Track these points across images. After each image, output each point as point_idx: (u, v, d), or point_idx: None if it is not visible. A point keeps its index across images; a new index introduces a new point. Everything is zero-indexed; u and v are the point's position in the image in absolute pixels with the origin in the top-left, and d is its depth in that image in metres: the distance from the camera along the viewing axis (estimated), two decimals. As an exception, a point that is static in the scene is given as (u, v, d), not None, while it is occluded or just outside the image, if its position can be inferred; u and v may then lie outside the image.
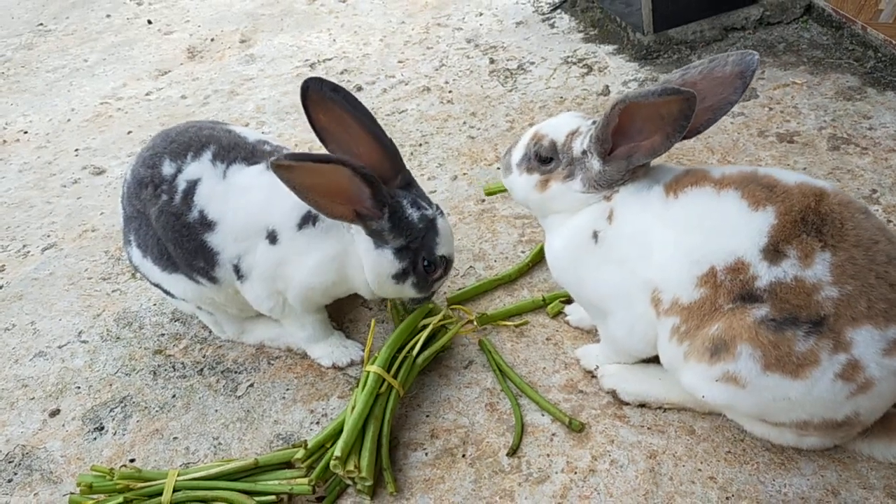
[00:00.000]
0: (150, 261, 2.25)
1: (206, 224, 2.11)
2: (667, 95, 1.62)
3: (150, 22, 5.14)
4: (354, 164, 1.90)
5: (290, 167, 1.85)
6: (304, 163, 1.86)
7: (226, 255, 2.14)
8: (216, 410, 2.26)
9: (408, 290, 2.16)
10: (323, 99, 1.98)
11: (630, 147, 1.78)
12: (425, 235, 2.08)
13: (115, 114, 4.09)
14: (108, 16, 5.38)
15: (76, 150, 3.80)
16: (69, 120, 4.11)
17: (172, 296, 2.32)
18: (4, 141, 4.01)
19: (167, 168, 2.16)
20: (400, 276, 2.10)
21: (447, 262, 2.16)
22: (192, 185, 2.12)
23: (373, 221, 2.01)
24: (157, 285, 2.32)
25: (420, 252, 2.09)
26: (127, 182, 2.26)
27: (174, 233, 2.14)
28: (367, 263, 2.10)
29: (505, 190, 2.14)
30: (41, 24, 5.42)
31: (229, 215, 2.11)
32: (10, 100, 4.45)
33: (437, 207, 2.14)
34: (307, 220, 2.09)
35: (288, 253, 2.11)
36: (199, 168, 2.14)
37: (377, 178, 1.95)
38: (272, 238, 2.11)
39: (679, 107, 1.64)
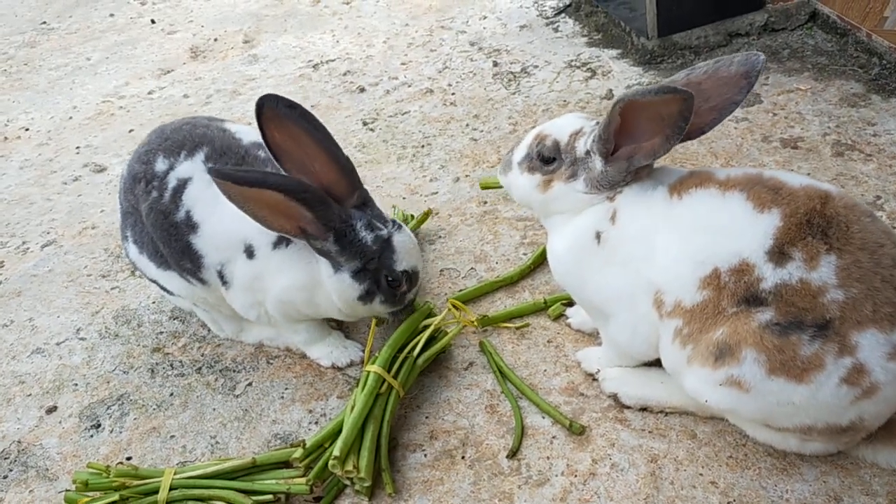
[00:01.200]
0: (146, 257, 2.25)
1: (191, 226, 2.10)
2: (664, 94, 1.61)
3: (153, 21, 5.14)
4: (290, 187, 1.86)
5: (221, 182, 1.84)
6: (226, 183, 1.84)
7: (209, 260, 2.12)
8: (214, 409, 2.25)
9: (379, 308, 2.13)
10: (278, 116, 1.92)
11: (632, 148, 1.77)
12: (381, 255, 2.03)
13: (117, 112, 4.08)
14: (112, 15, 5.38)
15: (77, 147, 3.79)
16: (71, 118, 4.10)
17: (170, 292, 2.31)
18: (6, 138, 4.00)
19: (160, 164, 2.15)
20: (365, 298, 2.07)
21: (411, 276, 2.12)
22: (182, 185, 2.11)
23: (318, 241, 1.98)
24: (154, 281, 2.32)
25: (380, 271, 2.05)
26: (123, 177, 2.25)
27: (162, 231, 2.13)
28: (330, 288, 2.07)
29: (500, 186, 2.11)
30: (44, 23, 5.43)
31: (212, 222, 2.09)
32: (12, 97, 4.44)
33: (395, 223, 2.09)
34: (281, 241, 2.07)
35: (264, 269, 2.10)
36: (191, 168, 2.12)
37: (322, 199, 1.91)
38: (249, 253, 2.09)
39: (678, 107, 1.63)
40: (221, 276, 2.15)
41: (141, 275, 2.40)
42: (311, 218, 1.92)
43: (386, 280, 2.07)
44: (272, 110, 1.92)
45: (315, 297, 2.12)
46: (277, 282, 2.10)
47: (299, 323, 2.28)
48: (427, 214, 2.79)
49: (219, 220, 2.09)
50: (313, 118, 1.97)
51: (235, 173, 1.86)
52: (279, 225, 1.95)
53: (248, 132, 2.24)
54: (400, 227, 2.10)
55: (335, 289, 2.06)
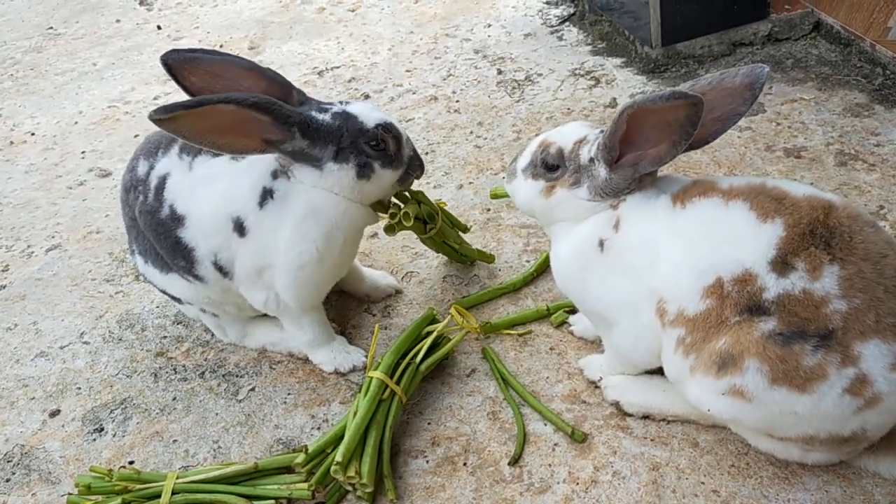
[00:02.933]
0: (151, 265, 2.26)
1: (177, 219, 2.10)
2: (675, 100, 1.62)
3: (159, 27, 5.16)
4: (237, 97, 1.84)
5: (169, 119, 1.80)
6: (177, 112, 1.80)
7: (201, 251, 2.11)
8: (217, 414, 2.25)
9: (387, 179, 2.11)
10: (185, 61, 1.96)
11: (637, 155, 1.78)
12: (346, 126, 2.02)
13: (123, 117, 4.10)
14: (118, 21, 5.40)
15: (83, 152, 3.81)
16: (76, 122, 4.12)
17: (178, 300, 2.32)
18: (12, 142, 4.02)
19: (142, 168, 2.17)
20: (363, 173, 2.05)
21: (389, 128, 2.07)
22: (162, 181, 2.12)
23: (286, 144, 1.97)
24: (163, 291, 2.33)
25: (357, 141, 2.03)
26: (120, 191, 2.28)
27: (153, 231, 2.14)
28: (328, 187, 2.04)
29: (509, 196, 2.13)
30: (51, 28, 5.45)
31: (195, 208, 2.09)
32: (18, 102, 4.46)
33: (341, 101, 2.09)
34: (266, 196, 2.05)
35: (261, 238, 2.07)
36: (168, 163, 2.13)
37: (272, 101, 1.90)
38: (240, 228, 2.06)
39: (686, 112, 1.64)
40: (220, 267, 2.12)
41: (147, 282, 2.40)
42: (269, 122, 1.91)
43: (369, 146, 2.04)
44: (176, 60, 1.96)
45: (323, 214, 2.07)
46: (282, 239, 2.07)
47: (304, 317, 2.26)
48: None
49: (199, 204, 2.08)
50: (217, 51, 2.02)
51: (179, 102, 1.82)
52: (243, 145, 1.93)
53: None
54: (348, 101, 2.09)
55: (331, 185, 2.04)
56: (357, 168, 2.04)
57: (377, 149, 2.06)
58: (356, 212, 2.13)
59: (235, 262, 2.12)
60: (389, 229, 2.28)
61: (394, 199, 2.27)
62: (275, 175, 2.07)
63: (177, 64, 1.97)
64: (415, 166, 2.19)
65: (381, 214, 2.24)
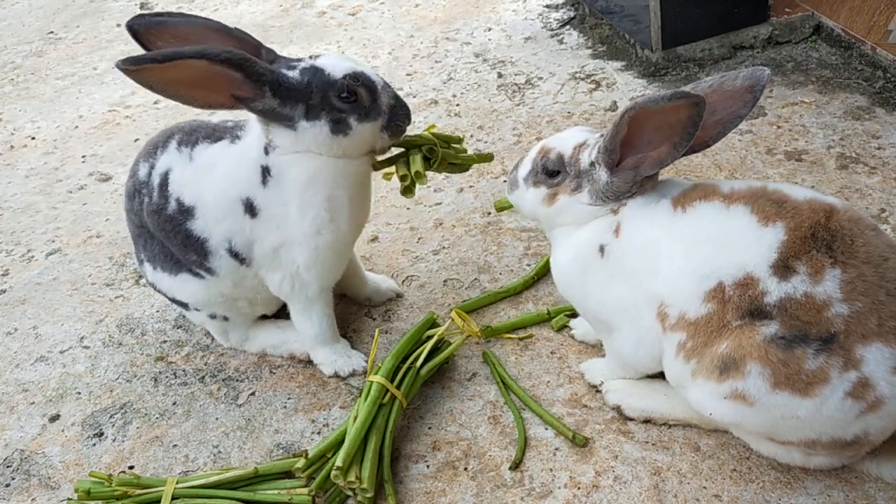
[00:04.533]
0: (160, 270, 2.25)
1: (185, 211, 2.09)
2: (676, 100, 1.62)
3: (160, 31, 5.17)
4: (209, 52, 1.80)
5: (138, 70, 1.78)
6: (146, 64, 1.77)
7: (214, 240, 2.10)
8: (217, 418, 2.25)
9: (367, 131, 2.02)
10: (150, 25, 1.92)
11: (638, 158, 1.78)
12: (314, 81, 1.94)
13: (123, 121, 4.10)
14: (119, 25, 5.40)
15: (83, 156, 3.81)
16: (77, 127, 4.12)
17: (187, 307, 2.31)
18: (12, 146, 4.02)
19: (142, 171, 2.17)
20: (337, 129, 1.97)
21: (359, 78, 1.97)
22: (165, 177, 2.12)
23: (257, 102, 1.93)
24: (173, 300, 2.32)
25: (327, 96, 1.95)
26: (123, 200, 2.28)
27: (162, 230, 2.14)
28: (304, 146, 2.00)
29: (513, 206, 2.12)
30: (51, 32, 5.45)
31: (203, 196, 2.08)
32: (18, 106, 4.46)
33: (311, 56, 2.03)
34: (265, 174, 2.04)
35: (273, 217, 2.07)
36: (168, 159, 2.13)
37: (245, 57, 1.85)
38: (251, 209, 2.06)
39: (687, 112, 1.64)
40: (235, 253, 2.12)
41: (153, 289, 2.39)
42: (240, 79, 1.88)
43: (341, 99, 1.95)
44: (142, 25, 1.92)
45: (326, 188, 2.04)
46: (291, 209, 2.05)
47: (316, 306, 2.25)
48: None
49: (206, 192, 2.08)
50: (183, 12, 1.99)
51: (149, 54, 1.80)
52: (212, 99, 1.91)
53: (216, 118, 2.23)
54: (318, 56, 2.03)
55: (308, 145, 1.99)
56: (331, 124, 1.97)
57: (348, 101, 1.96)
58: (351, 167, 2.08)
59: (253, 245, 2.11)
60: (406, 191, 2.18)
61: (395, 149, 2.19)
62: (266, 151, 2.05)
63: (143, 29, 1.92)
64: (399, 115, 2.07)
65: (388, 171, 2.18)
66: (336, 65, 1.98)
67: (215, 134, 2.14)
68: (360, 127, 2.00)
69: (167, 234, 2.14)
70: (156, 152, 2.17)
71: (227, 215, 2.08)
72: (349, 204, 2.11)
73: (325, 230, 2.09)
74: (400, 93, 3.85)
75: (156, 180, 2.13)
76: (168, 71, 1.81)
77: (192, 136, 2.14)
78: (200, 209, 2.09)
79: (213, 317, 2.35)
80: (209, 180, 2.08)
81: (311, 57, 2.02)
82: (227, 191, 2.07)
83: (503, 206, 2.23)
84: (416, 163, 2.15)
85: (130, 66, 1.76)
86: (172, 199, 2.10)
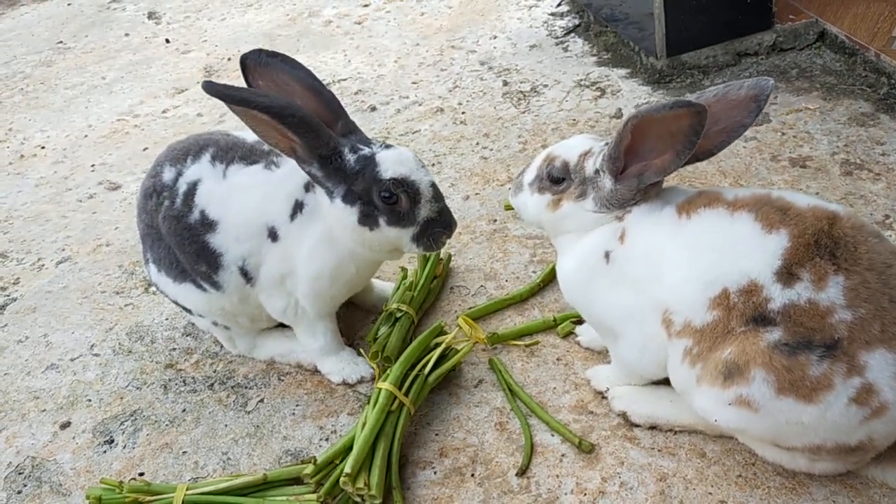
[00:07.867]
0: (164, 274, 2.27)
1: (208, 224, 2.12)
2: (678, 108, 1.63)
3: (167, 41, 5.21)
4: (275, 109, 1.88)
5: (217, 94, 1.87)
6: (219, 98, 1.87)
7: (230, 256, 2.14)
8: (226, 425, 2.27)
9: (393, 235, 2.07)
10: (260, 64, 2.04)
11: (642, 165, 1.79)
12: (364, 172, 2.01)
13: (132, 130, 4.13)
14: (127, 35, 5.45)
15: (92, 165, 3.84)
16: (86, 136, 4.16)
17: (189, 311, 2.34)
18: (22, 156, 4.06)
19: (167, 174, 2.19)
20: (365, 221, 2.03)
21: (405, 185, 2.01)
22: (193, 187, 2.15)
23: (305, 165, 2.01)
24: (175, 302, 2.34)
25: (370, 189, 2.01)
26: (137, 198, 2.29)
27: (177, 236, 2.16)
28: (332, 221, 2.08)
29: None
30: (61, 42, 5.50)
31: (230, 215, 2.12)
32: (28, 115, 4.51)
33: (383, 144, 2.09)
34: (297, 209, 2.11)
35: (288, 247, 2.12)
36: (199, 169, 2.16)
37: (306, 125, 1.92)
38: (273, 236, 2.12)
39: (689, 121, 1.65)
40: (245, 272, 2.16)
41: (158, 292, 2.42)
42: (298, 142, 1.96)
43: (380, 198, 2.02)
44: (255, 61, 2.04)
45: (337, 244, 2.11)
46: (303, 252, 2.12)
47: (318, 324, 2.29)
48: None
49: (238, 211, 2.12)
50: (295, 61, 2.08)
51: (225, 90, 1.87)
52: (272, 143, 1.99)
53: (251, 135, 2.23)
54: (389, 146, 2.08)
55: (336, 219, 2.07)
56: (360, 214, 2.04)
57: (388, 202, 2.02)
58: (366, 256, 2.17)
59: (262, 267, 2.16)
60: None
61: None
62: (307, 188, 2.12)
63: (253, 65, 2.04)
64: (434, 231, 2.09)
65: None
66: (390, 164, 2.02)
67: (251, 157, 2.18)
68: (387, 229, 2.06)
69: (181, 241, 2.16)
70: (186, 159, 2.19)
71: (250, 237, 2.13)
72: (354, 275, 2.21)
73: (323, 279, 2.16)
74: (405, 101, 3.90)
75: (182, 187, 2.15)
76: (236, 111, 1.91)
77: (228, 154, 2.17)
78: (223, 225, 2.12)
79: (216, 324, 2.37)
80: (240, 200, 2.11)
81: (383, 145, 2.08)
82: (256, 215, 2.12)
83: (511, 206, 2.25)
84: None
85: (209, 92, 1.86)
86: (197, 210, 2.13)
